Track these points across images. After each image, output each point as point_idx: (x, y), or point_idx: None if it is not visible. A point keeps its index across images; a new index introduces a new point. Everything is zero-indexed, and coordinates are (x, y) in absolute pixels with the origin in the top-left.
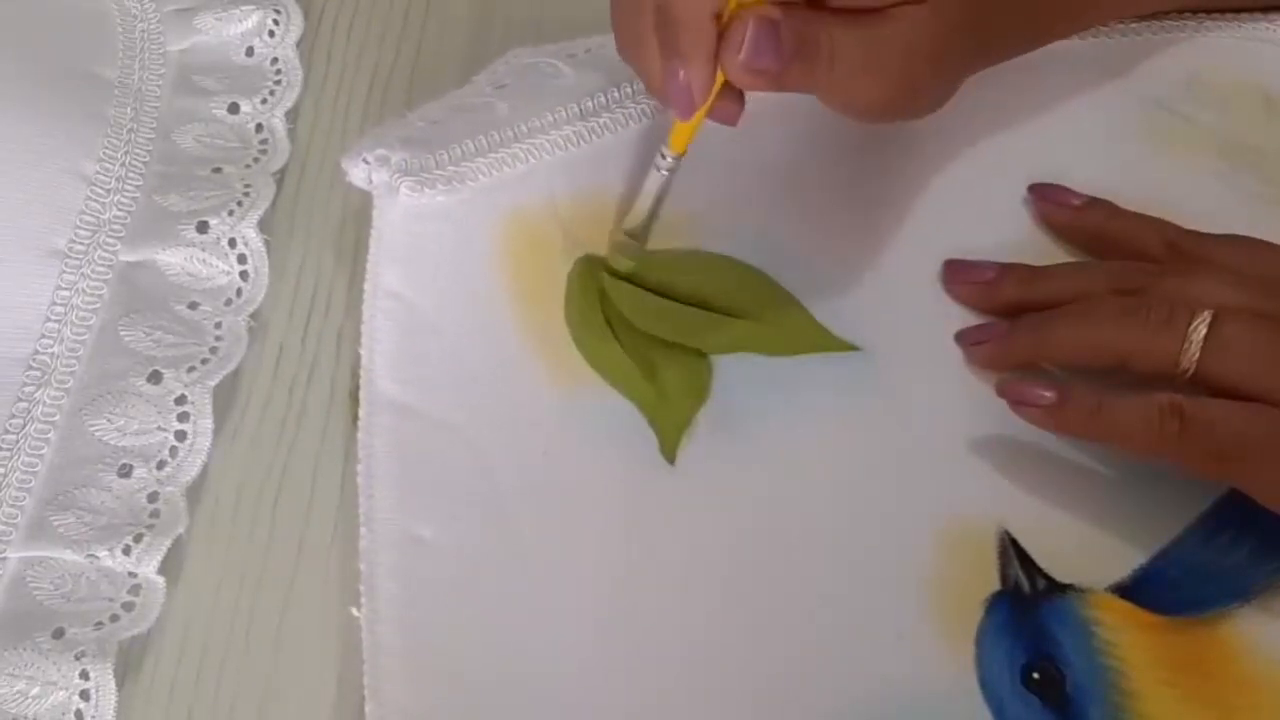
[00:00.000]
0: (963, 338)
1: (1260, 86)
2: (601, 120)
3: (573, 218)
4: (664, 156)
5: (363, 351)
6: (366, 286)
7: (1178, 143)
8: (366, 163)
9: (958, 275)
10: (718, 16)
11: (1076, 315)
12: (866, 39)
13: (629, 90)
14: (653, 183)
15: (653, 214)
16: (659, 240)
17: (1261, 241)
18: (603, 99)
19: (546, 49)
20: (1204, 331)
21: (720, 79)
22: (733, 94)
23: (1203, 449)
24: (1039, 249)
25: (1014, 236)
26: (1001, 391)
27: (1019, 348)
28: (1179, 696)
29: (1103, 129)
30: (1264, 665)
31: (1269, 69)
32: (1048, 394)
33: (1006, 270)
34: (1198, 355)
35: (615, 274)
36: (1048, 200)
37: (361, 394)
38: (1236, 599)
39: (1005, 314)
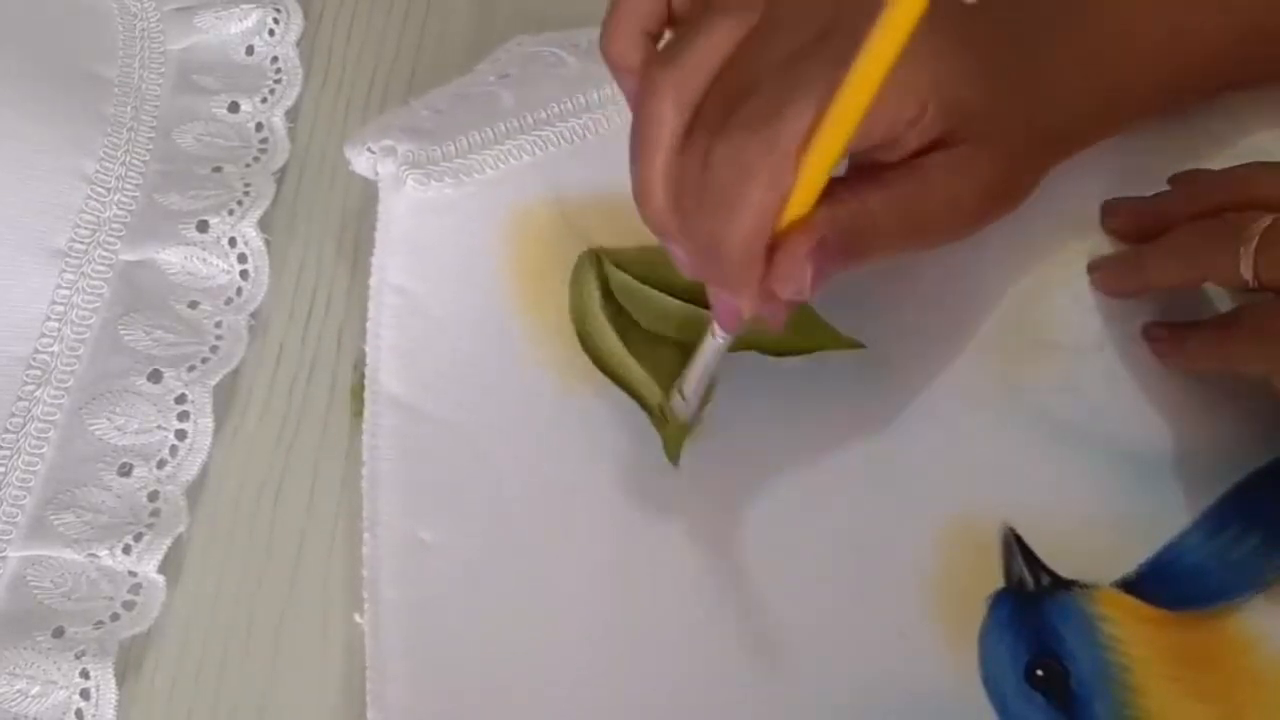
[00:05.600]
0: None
1: None
2: (607, 112)
3: (578, 211)
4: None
5: (368, 348)
6: (372, 281)
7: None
8: (371, 152)
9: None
10: (770, 247)
11: (1165, 245)
12: (904, 202)
13: None
14: (708, 350)
15: (705, 380)
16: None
17: None
18: (608, 90)
19: (549, 37)
20: (1256, 242)
21: None
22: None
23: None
24: (1048, 240)
25: (1018, 235)
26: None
27: (1129, 277)
28: (1184, 692)
29: None
30: (1270, 660)
31: None
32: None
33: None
34: (1253, 266)
35: (604, 264)
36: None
37: (366, 393)
38: (1243, 593)
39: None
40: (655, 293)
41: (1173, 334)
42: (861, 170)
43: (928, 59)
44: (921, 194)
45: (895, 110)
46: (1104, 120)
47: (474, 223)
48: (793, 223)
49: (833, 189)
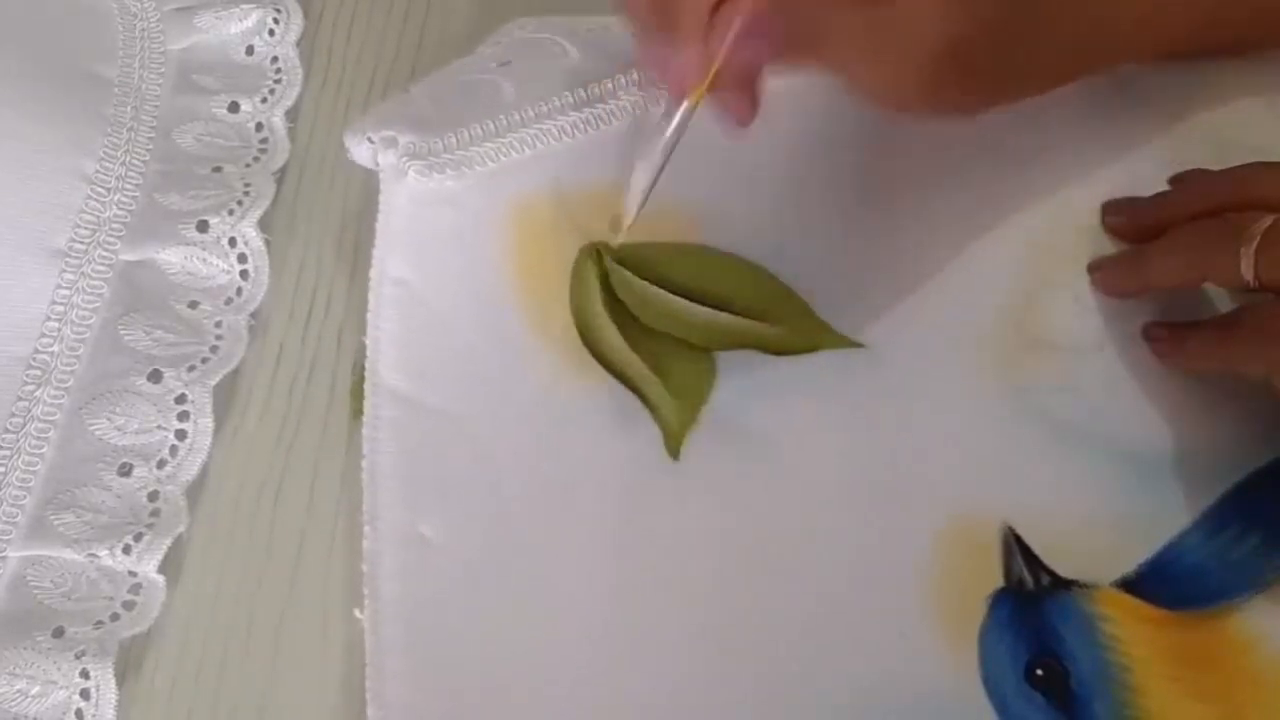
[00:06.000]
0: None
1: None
2: (608, 107)
3: (578, 205)
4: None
5: (367, 341)
6: (372, 273)
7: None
8: (372, 142)
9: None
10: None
11: (1165, 245)
12: (871, 24)
13: (634, 77)
14: (668, 130)
15: (657, 172)
16: (665, 235)
17: None
18: (609, 85)
19: (550, 22)
20: (1256, 242)
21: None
22: (744, 89)
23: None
24: (1048, 239)
25: (1019, 233)
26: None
27: (1129, 277)
28: (1184, 692)
29: (1101, 119)
30: (1270, 660)
31: None
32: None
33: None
34: (1253, 266)
35: (605, 259)
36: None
37: (366, 386)
38: (1243, 593)
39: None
40: (655, 289)
41: (1173, 334)
42: None
43: None
44: (889, 20)
45: None
46: (1063, 74)
47: (475, 215)
48: None
49: None
